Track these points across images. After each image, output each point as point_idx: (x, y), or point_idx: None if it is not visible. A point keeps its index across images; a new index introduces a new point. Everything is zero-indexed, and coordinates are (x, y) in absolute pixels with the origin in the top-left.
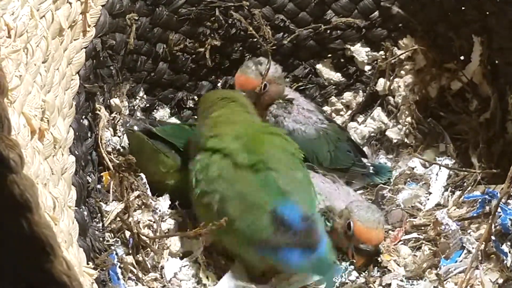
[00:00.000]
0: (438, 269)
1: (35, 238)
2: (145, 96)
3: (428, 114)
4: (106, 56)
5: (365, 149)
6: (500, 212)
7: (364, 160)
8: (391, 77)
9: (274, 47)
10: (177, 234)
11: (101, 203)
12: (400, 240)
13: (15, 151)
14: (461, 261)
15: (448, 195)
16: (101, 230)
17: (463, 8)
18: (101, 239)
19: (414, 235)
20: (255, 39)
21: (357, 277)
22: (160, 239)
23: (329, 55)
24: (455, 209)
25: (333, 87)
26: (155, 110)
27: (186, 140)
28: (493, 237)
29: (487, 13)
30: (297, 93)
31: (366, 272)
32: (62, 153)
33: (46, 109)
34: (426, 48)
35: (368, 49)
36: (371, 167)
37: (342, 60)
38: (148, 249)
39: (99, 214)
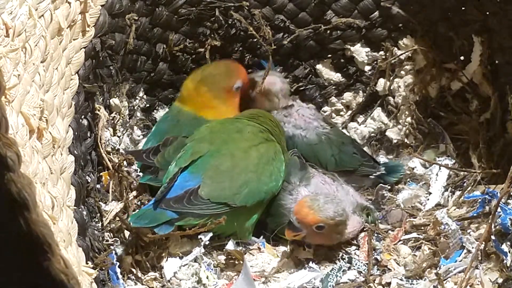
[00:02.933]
0: (438, 268)
1: (33, 236)
2: (145, 96)
3: (428, 114)
4: (105, 56)
5: (365, 149)
6: (500, 212)
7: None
8: (391, 77)
9: (274, 47)
10: (176, 233)
11: (100, 202)
12: (400, 240)
13: (13, 149)
14: (460, 260)
15: (448, 195)
16: (100, 230)
17: (463, 8)
18: (100, 238)
19: (414, 234)
20: (255, 39)
21: (357, 276)
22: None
23: (329, 55)
24: (455, 209)
25: (333, 87)
26: (155, 110)
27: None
28: (493, 237)
29: (488, 13)
30: (297, 101)
31: (365, 270)
32: (61, 152)
33: (45, 108)
34: (426, 48)
35: (368, 49)
36: (383, 168)
37: (342, 61)
38: (148, 248)
39: (98, 214)
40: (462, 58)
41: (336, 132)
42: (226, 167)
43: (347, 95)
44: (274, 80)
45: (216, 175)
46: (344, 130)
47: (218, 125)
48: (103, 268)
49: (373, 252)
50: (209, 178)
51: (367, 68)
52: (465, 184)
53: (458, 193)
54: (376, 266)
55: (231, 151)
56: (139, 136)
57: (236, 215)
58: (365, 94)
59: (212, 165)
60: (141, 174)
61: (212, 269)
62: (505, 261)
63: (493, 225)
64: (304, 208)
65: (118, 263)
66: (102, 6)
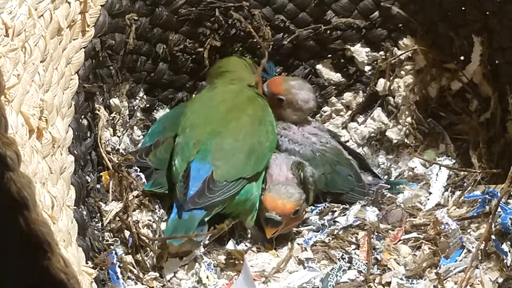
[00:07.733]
0: (438, 268)
1: (32, 236)
2: (145, 96)
3: (428, 114)
4: (105, 56)
5: (365, 149)
6: (500, 212)
7: (378, 181)
8: (391, 78)
9: (274, 47)
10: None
11: (100, 202)
12: (400, 240)
13: (12, 149)
14: (461, 260)
15: (448, 195)
16: (100, 230)
17: (463, 8)
18: (100, 238)
19: (414, 234)
20: (255, 40)
21: (357, 276)
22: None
23: (329, 56)
24: (455, 209)
25: (333, 87)
26: (155, 111)
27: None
28: (493, 237)
29: (488, 13)
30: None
31: (365, 269)
32: (61, 152)
33: (45, 108)
34: (426, 48)
35: (368, 49)
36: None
37: (342, 61)
38: (148, 248)
39: (98, 214)
40: (462, 58)
41: (335, 151)
42: (228, 144)
43: (347, 95)
44: (308, 97)
45: (223, 155)
46: (344, 131)
47: (201, 106)
48: (103, 268)
49: (373, 251)
50: (217, 160)
51: (367, 68)
52: (465, 184)
53: (458, 193)
54: (376, 265)
55: (225, 125)
56: (139, 136)
57: (250, 184)
58: (365, 94)
59: (215, 147)
60: (141, 174)
61: (212, 269)
62: (505, 261)
63: (493, 224)
64: (277, 202)
65: (118, 263)
66: (102, 6)
